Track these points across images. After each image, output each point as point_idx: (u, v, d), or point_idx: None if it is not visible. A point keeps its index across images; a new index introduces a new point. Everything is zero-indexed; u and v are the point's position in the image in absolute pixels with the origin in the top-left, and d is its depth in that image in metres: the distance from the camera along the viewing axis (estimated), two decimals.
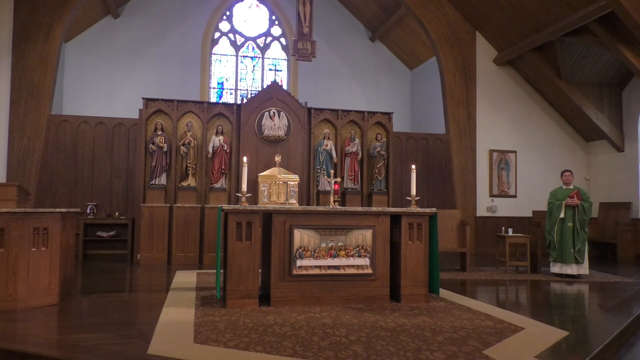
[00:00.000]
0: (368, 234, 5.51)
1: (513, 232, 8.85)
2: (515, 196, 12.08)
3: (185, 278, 7.18)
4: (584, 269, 7.79)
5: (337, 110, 10.31)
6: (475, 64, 11.98)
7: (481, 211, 11.81)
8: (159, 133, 9.21)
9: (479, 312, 5.13)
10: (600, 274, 8.34)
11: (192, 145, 9.32)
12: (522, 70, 12.17)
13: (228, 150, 9.51)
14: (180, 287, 6.40)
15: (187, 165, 9.31)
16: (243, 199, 5.47)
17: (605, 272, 8.59)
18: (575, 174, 11.31)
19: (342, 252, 5.43)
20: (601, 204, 11.80)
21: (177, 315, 4.76)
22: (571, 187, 8.10)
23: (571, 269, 7.77)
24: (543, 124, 12.46)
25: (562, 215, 7.85)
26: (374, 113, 10.50)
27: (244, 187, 5.53)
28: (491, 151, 12.02)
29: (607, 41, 9.67)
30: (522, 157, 12.22)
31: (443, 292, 6.15)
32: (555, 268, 7.95)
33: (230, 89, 13.89)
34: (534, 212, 10.38)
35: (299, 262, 5.30)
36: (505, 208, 11.97)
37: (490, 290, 6.81)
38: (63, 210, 5.36)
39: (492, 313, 5.08)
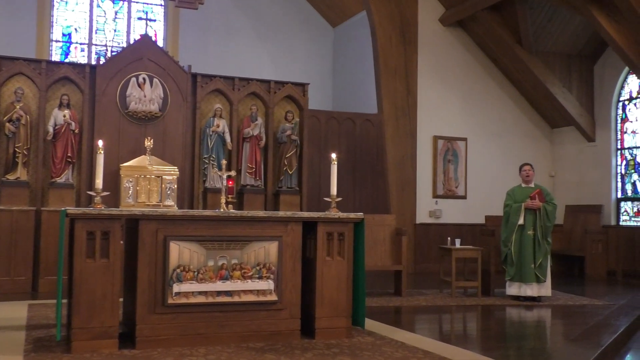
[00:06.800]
0: (272, 247, 5.52)
1: (461, 244, 9.21)
2: (464, 197, 12.63)
3: (11, 312, 6.90)
4: (545, 289, 8.31)
5: (233, 78, 10.26)
6: (417, 23, 12.35)
7: (422, 217, 12.23)
8: None
9: (416, 348, 5.31)
10: (565, 295, 9.00)
11: (22, 121, 8.90)
12: (475, 35, 12.73)
13: (77, 130, 9.20)
14: (3, 325, 6.13)
15: (15, 151, 8.89)
16: (98, 199, 5.31)
17: (570, 292, 9.29)
18: (538, 169, 11.97)
19: (237, 273, 5.41)
20: (567, 207, 12.61)
21: None
22: (532, 185, 8.59)
23: (531, 290, 8.25)
24: (501, 104, 13.09)
25: (521, 221, 8.29)
26: (283, 83, 10.57)
27: (99, 182, 5.39)
28: (436, 138, 12.47)
29: (578, 2, 10.30)
30: (474, 146, 12.77)
31: (371, 324, 6.29)
32: (512, 289, 8.39)
33: (81, 44, 13.48)
34: (487, 217, 10.76)
35: (176, 287, 5.22)
36: (452, 212, 12.47)
37: (431, 320, 7.10)
38: None
39: (433, 349, 5.27)
